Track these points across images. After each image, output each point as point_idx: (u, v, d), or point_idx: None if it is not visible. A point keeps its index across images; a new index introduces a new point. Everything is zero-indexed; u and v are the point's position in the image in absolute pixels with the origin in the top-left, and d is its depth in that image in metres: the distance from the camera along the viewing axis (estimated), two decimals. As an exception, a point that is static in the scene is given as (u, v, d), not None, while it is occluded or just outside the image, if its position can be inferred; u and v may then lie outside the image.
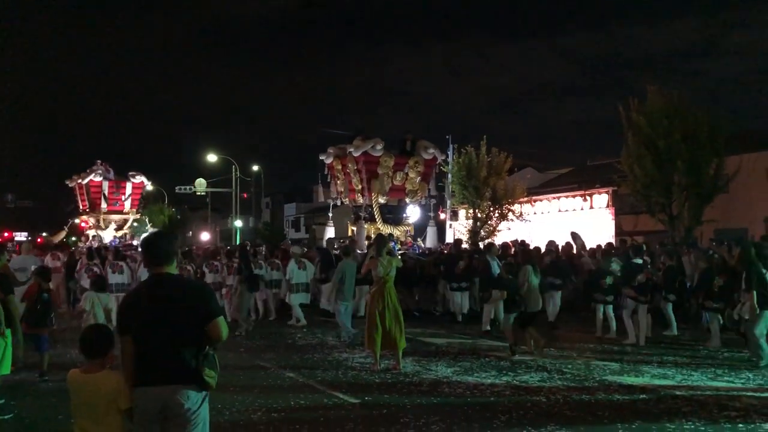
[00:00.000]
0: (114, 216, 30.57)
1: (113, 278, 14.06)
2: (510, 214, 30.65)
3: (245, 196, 48.29)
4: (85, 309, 9.29)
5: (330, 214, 23.62)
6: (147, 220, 35.24)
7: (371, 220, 20.61)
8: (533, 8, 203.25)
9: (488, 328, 12.61)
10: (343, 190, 21.60)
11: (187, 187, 45.29)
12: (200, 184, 43.52)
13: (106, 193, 29.97)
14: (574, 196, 31.69)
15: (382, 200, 20.79)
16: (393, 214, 21.39)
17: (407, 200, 21.54)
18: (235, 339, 11.91)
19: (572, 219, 30.52)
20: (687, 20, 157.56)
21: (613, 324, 11.89)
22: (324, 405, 7.25)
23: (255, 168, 48.68)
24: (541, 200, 33.44)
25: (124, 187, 30.58)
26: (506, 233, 26.32)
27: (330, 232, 22.43)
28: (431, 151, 21.38)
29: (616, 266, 11.95)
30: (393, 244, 18.86)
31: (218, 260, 15.86)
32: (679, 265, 13.03)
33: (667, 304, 12.28)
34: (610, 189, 28.59)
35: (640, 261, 11.36)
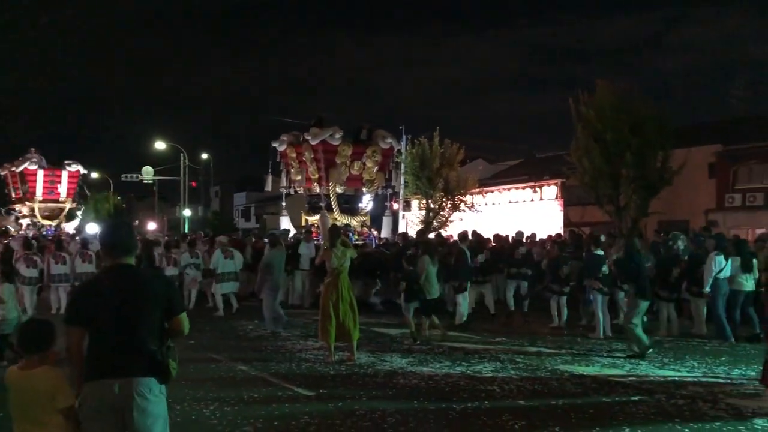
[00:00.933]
0: (49, 205, 30.12)
1: (56, 269, 13.86)
2: (462, 204, 30.98)
3: (194, 184, 47.39)
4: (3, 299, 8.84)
5: (283, 204, 23.20)
6: (83, 209, 34.33)
7: (328, 209, 20.38)
8: (486, 0, 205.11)
9: (464, 320, 12.35)
10: (298, 178, 21.22)
11: (134, 175, 44.21)
12: (147, 172, 42.53)
13: (41, 181, 29.52)
14: (524, 188, 32.21)
15: (339, 189, 20.59)
16: (350, 204, 21.23)
17: (364, 190, 21.38)
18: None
19: (522, 210, 31.04)
20: (634, 15, 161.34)
21: (564, 314, 12.08)
22: (278, 398, 7.14)
23: (204, 156, 47.91)
24: (492, 191, 33.87)
25: (60, 176, 30.20)
26: (458, 224, 26.53)
27: (284, 222, 22.11)
28: (389, 140, 21.22)
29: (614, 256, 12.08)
30: (351, 234, 18.88)
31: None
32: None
33: (619, 294, 12.47)
34: (559, 181, 29.15)
35: (601, 252, 11.34)
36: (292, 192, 22.50)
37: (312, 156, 20.17)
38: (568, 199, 28.84)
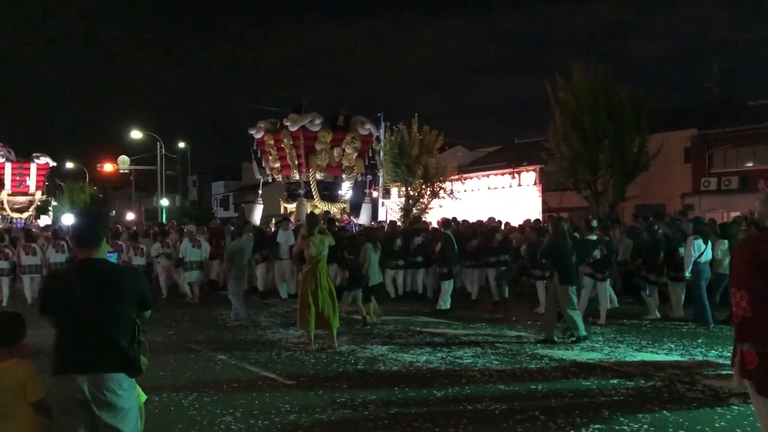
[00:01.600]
0: (18, 198, 30.36)
1: (26, 260, 14.22)
2: (441, 191, 31.01)
3: (168, 173, 46.75)
4: None
5: (260, 191, 22.97)
6: (58, 201, 34.48)
7: (308, 196, 20.20)
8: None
9: (447, 306, 12.46)
10: (276, 166, 20.92)
11: (110, 165, 43.60)
12: (123, 162, 41.92)
13: (9, 174, 29.83)
14: (503, 174, 32.27)
15: (319, 176, 20.34)
16: (329, 191, 20.94)
17: (344, 177, 21.18)
18: (164, 323, 11.57)
19: (501, 196, 31.11)
20: (611, 0, 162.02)
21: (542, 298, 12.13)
22: (258, 387, 7.09)
23: (181, 145, 47.31)
24: (471, 178, 33.90)
25: (28, 169, 30.57)
26: (438, 210, 26.57)
27: (259, 210, 21.91)
28: (368, 126, 21.03)
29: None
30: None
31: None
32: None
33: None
34: (538, 167, 29.25)
35: (594, 237, 11.27)
36: (270, 180, 22.20)
37: (291, 143, 19.90)
38: (546, 184, 28.96)
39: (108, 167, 43.54)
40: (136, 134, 41.55)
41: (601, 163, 21.86)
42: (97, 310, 3.46)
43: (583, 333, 9.31)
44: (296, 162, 20.18)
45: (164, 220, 33.01)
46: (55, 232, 16.39)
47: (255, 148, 21.45)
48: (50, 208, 33.30)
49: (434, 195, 30.82)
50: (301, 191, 20.26)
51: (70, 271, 3.85)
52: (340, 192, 21.60)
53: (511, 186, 31.56)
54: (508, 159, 34.39)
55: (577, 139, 21.46)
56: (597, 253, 10.98)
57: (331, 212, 20.23)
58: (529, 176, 30.51)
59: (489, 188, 32.66)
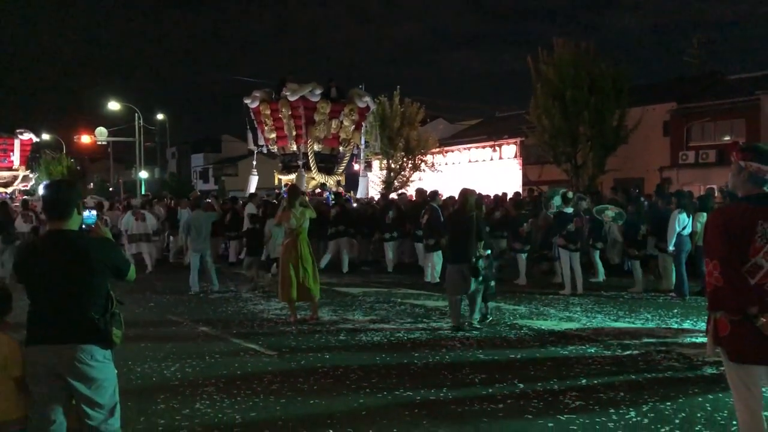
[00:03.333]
0: (3, 173, 31.07)
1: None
2: (423, 164, 31.03)
3: (147, 144, 46.16)
4: None
5: (254, 163, 22.37)
6: (41, 174, 34.83)
7: (305, 168, 19.81)
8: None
9: (438, 279, 12.28)
10: (272, 137, 20.38)
11: (88, 137, 42.95)
12: (101, 133, 41.26)
13: None
14: (483, 147, 32.38)
15: (317, 148, 19.95)
16: (325, 163, 20.50)
17: (340, 149, 20.82)
18: (144, 295, 11.54)
19: (482, 169, 31.24)
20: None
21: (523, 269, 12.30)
22: (240, 358, 7.13)
23: (160, 117, 46.69)
24: (452, 151, 33.98)
25: (12, 144, 31.11)
26: (419, 183, 26.60)
27: (254, 181, 21.39)
28: (365, 99, 20.71)
29: (610, 213, 12.01)
30: (328, 194, 18.63)
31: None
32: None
33: (594, 252, 12.51)
34: (518, 140, 29.36)
35: (570, 210, 11.34)
36: (265, 151, 21.75)
37: (290, 113, 19.42)
38: (527, 158, 29.12)
39: (85, 139, 42.87)
40: (113, 105, 40.91)
41: (581, 136, 21.99)
42: (66, 282, 3.45)
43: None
44: (294, 133, 19.73)
45: (143, 192, 33.00)
46: (24, 202, 16.62)
47: (251, 117, 20.87)
48: (33, 179, 33.53)
49: (415, 168, 30.87)
50: (300, 162, 19.85)
51: (38, 242, 3.82)
52: (337, 164, 21.09)
53: (492, 159, 31.68)
54: (488, 132, 34.45)
55: (558, 112, 21.53)
56: (572, 226, 11.11)
57: (327, 184, 20.07)
58: (509, 149, 30.64)
59: (470, 161, 32.77)
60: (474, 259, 8.26)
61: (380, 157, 27.49)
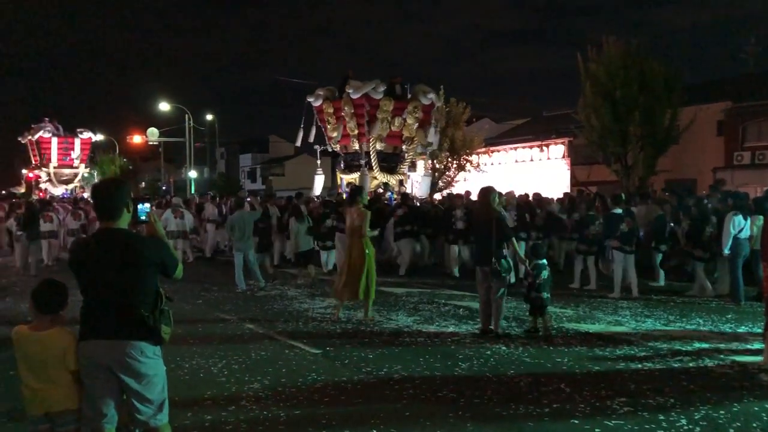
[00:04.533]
0: (65, 170, 32.36)
1: (44, 226, 15.58)
2: (468, 164, 30.83)
3: (197, 145, 47.04)
4: None
5: (318, 162, 21.69)
6: (95, 173, 36.35)
7: (367, 167, 19.10)
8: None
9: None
10: (335, 135, 19.73)
11: (139, 137, 44.07)
12: (152, 134, 42.24)
13: (55, 149, 31.87)
14: (530, 147, 31.96)
15: (379, 146, 19.32)
16: (387, 162, 19.71)
17: (403, 148, 19.96)
18: (193, 292, 11.77)
19: (529, 169, 30.86)
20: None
21: (593, 276, 11.76)
22: (285, 356, 7.19)
23: (209, 117, 47.51)
24: (498, 151, 33.64)
25: (73, 143, 32.44)
26: (463, 184, 26.43)
27: (320, 181, 21.02)
28: (430, 96, 19.67)
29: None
30: (390, 194, 18.43)
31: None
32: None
33: (657, 255, 12.07)
34: (566, 140, 28.90)
35: (620, 211, 10.99)
36: (329, 149, 21.08)
37: (352, 111, 18.83)
38: (575, 158, 28.62)
39: (137, 139, 44.03)
40: (164, 106, 41.80)
41: (631, 136, 21.53)
42: (117, 280, 3.52)
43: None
44: (356, 131, 19.12)
45: (193, 192, 33.88)
46: (74, 200, 17.84)
47: (310, 115, 20.37)
48: (90, 177, 35.09)
49: (460, 168, 30.68)
50: (362, 161, 19.22)
51: (90, 239, 3.90)
52: (399, 163, 20.13)
53: (539, 159, 31.26)
54: (536, 132, 34.01)
55: (608, 111, 21.13)
56: (624, 227, 10.78)
57: (390, 184, 19.51)
58: (557, 149, 30.17)
59: (516, 161, 32.38)
60: (497, 262, 7.86)
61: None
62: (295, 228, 12.86)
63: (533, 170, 30.58)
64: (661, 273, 12.08)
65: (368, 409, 5.39)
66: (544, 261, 8.37)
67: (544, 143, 31.10)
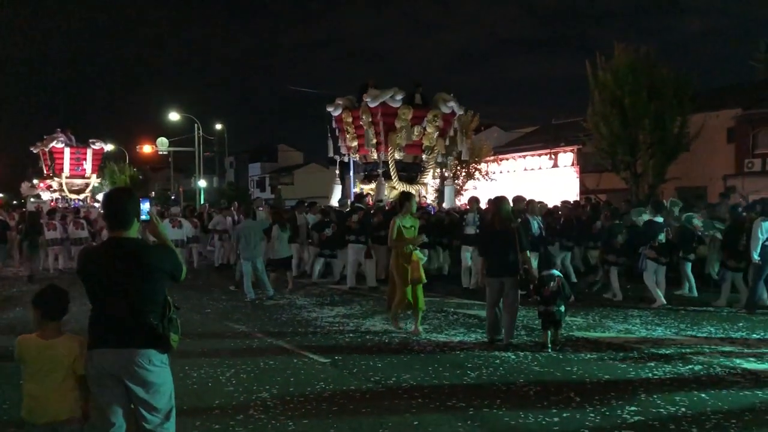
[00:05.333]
0: (76, 180, 32.53)
1: (48, 234, 16.43)
2: (477, 173, 30.81)
3: (206, 154, 47.25)
4: None
5: (337, 172, 21.18)
6: (106, 182, 36.75)
7: (386, 177, 18.65)
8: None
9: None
10: (354, 145, 19.47)
11: (149, 147, 44.33)
12: (162, 143, 42.49)
13: (68, 159, 32.06)
14: (539, 155, 31.89)
15: (398, 156, 18.84)
16: (407, 172, 19.22)
17: (423, 157, 19.47)
18: (201, 301, 11.79)
19: (538, 178, 30.78)
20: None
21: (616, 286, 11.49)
22: (293, 365, 7.18)
23: (218, 127, 47.73)
24: (507, 159, 33.59)
25: (85, 154, 32.56)
26: (473, 192, 26.39)
27: (338, 191, 20.29)
28: (450, 104, 19.10)
29: (698, 222, 11.33)
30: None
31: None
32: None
33: (686, 264, 11.75)
34: (575, 147, 28.83)
35: (661, 219, 10.65)
36: (347, 159, 20.55)
37: (370, 120, 18.46)
38: (584, 166, 28.53)
39: (147, 149, 44.28)
40: (174, 116, 42.06)
41: (641, 143, 21.46)
42: (126, 288, 3.53)
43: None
44: (374, 140, 18.73)
45: (203, 201, 34.09)
46: (76, 210, 18.39)
47: (333, 126, 20.03)
48: (102, 187, 35.65)
49: (469, 176, 30.66)
50: (380, 171, 18.81)
51: (97, 250, 3.90)
52: (419, 172, 19.68)
53: (548, 167, 31.19)
54: (544, 140, 33.96)
55: (617, 119, 21.08)
56: (662, 237, 10.49)
57: (423, 194, 19.16)
58: (566, 157, 30.09)
59: (525, 169, 32.32)
60: (522, 272, 7.84)
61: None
62: (276, 234, 12.86)
63: (542, 178, 30.51)
64: (692, 283, 11.71)
65: (377, 418, 5.37)
66: (556, 272, 8.19)
67: (553, 151, 31.03)
